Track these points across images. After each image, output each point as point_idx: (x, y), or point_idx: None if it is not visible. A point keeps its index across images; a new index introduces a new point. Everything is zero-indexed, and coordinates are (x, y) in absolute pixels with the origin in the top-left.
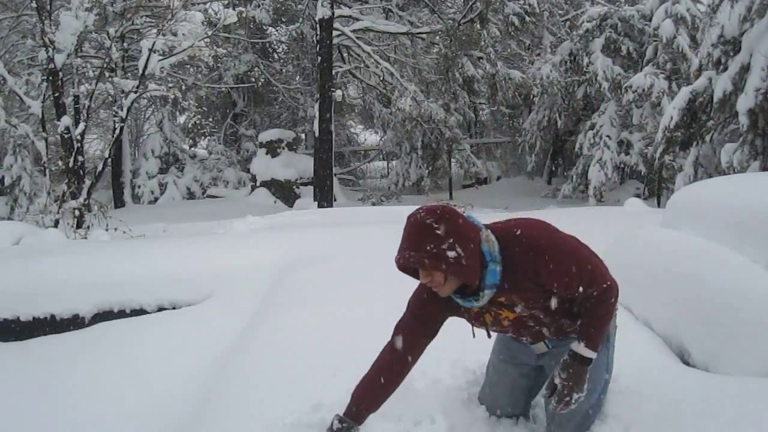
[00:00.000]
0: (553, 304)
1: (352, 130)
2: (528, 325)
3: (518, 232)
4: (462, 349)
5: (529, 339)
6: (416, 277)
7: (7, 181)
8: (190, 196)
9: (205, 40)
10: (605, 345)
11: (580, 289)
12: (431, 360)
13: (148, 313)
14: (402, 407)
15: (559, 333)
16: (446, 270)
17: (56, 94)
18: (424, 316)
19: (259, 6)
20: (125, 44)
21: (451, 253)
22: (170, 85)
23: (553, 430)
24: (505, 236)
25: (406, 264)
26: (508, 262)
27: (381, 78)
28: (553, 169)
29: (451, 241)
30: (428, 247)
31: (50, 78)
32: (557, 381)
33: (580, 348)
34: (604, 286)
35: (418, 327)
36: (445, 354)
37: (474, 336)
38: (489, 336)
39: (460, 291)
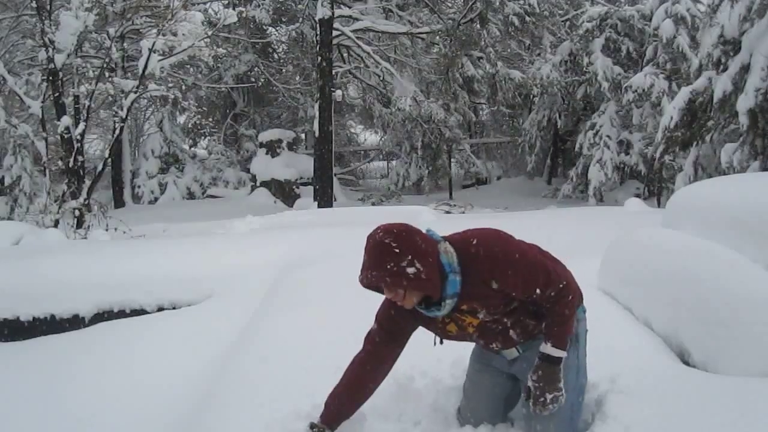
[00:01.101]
0: (513, 307)
1: (352, 130)
2: (493, 329)
3: (474, 242)
4: (462, 348)
5: (498, 345)
6: (381, 293)
7: (7, 181)
8: (190, 196)
9: (205, 40)
10: (574, 346)
11: (537, 291)
12: (432, 360)
13: (148, 313)
14: (402, 407)
15: (526, 335)
16: (407, 286)
17: (56, 94)
18: (393, 329)
19: (259, 6)
20: (125, 44)
21: (410, 270)
22: (170, 85)
23: None
24: (463, 247)
25: (369, 283)
26: (466, 272)
27: (381, 78)
28: (553, 169)
29: (410, 257)
30: (388, 266)
31: (50, 78)
32: (530, 383)
33: (547, 348)
34: (560, 285)
35: (387, 338)
36: (445, 354)
37: (437, 344)
38: (441, 342)
39: (425, 302)
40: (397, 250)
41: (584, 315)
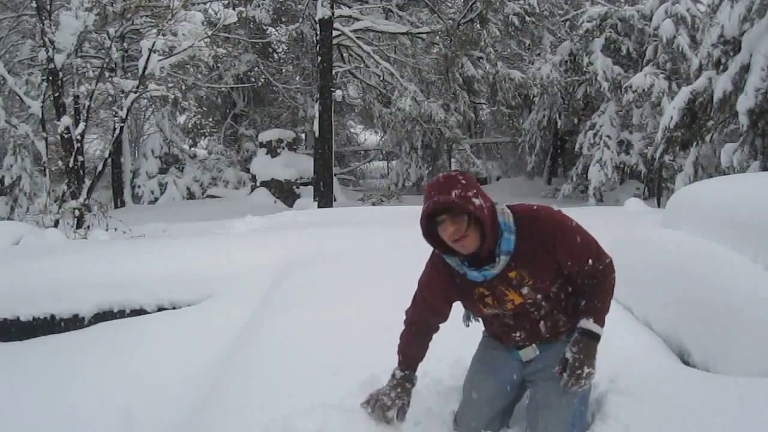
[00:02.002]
0: (554, 291)
1: (352, 130)
2: (528, 312)
3: (535, 208)
4: (463, 348)
5: (522, 335)
6: (438, 246)
7: (7, 181)
8: (190, 196)
9: (205, 40)
10: None
11: (590, 261)
12: (432, 360)
13: (148, 313)
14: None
15: (554, 331)
16: (473, 212)
17: (56, 94)
18: (432, 295)
19: (259, 6)
20: (125, 44)
21: (476, 200)
22: (170, 85)
23: None
24: (522, 210)
25: (437, 206)
26: (524, 233)
27: (381, 78)
28: (553, 169)
29: (475, 191)
30: (456, 191)
31: (50, 78)
32: (568, 355)
33: (589, 324)
34: (608, 261)
35: (425, 306)
36: (446, 354)
37: (469, 324)
38: (472, 321)
39: (475, 264)
40: (464, 182)
41: None
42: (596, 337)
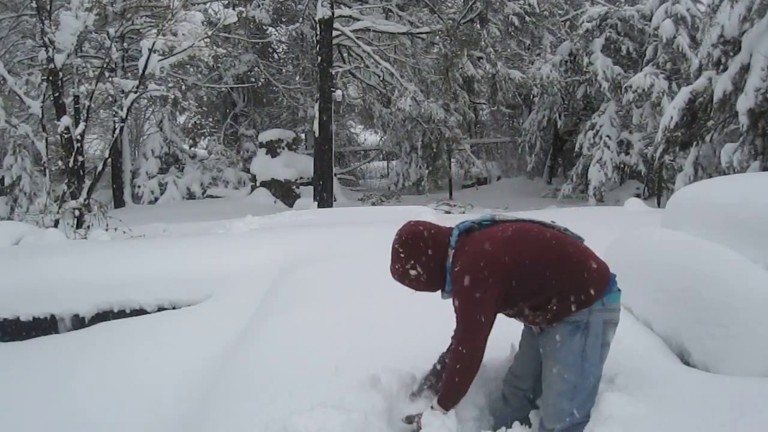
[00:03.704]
0: (503, 305)
1: (352, 130)
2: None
3: (458, 267)
4: None
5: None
6: None
7: (7, 181)
8: (190, 196)
9: (205, 40)
10: (583, 333)
11: (456, 335)
12: (433, 360)
13: (148, 313)
14: (402, 407)
15: (532, 321)
16: (409, 284)
17: (56, 94)
18: None
19: (259, 6)
20: (125, 44)
21: (412, 272)
22: (170, 85)
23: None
24: (458, 256)
25: (391, 276)
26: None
27: (381, 78)
28: (553, 169)
29: (413, 262)
30: (396, 266)
31: (50, 78)
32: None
33: (434, 402)
34: (459, 348)
35: None
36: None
37: None
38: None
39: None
40: (403, 255)
41: (602, 306)
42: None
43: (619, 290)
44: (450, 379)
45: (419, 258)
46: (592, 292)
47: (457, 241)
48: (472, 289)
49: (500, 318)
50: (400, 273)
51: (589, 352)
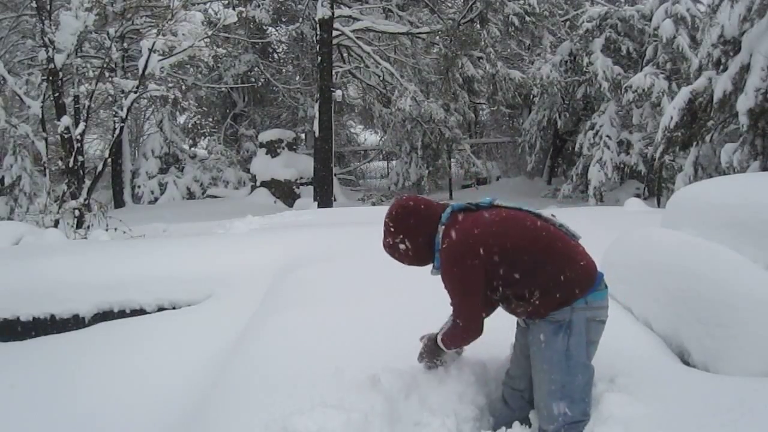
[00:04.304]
0: (489, 291)
1: (352, 130)
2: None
3: (451, 238)
4: (464, 349)
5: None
6: None
7: (7, 181)
8: (190, 196)
9: (205, 40)
10: (565, 332)
11: (450, 304)
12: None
13: (148, 313)
14: (402, 407)
15: (514, 312)
16: (399, 258)
17: (56, 94)
18: None
19: (259, 6)
20: (125, 44)
21: (402, 246)
22: (170, 85)
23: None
24: (446, 234)
25: (383, 248)
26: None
27: (381, 78)
28: (553, 169)
29: (401, 236)
30: (387, 240)
31: (50, 78)
32: (421, 349)
33: (438, 336)
34: (457, 321)
35: None
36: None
37: None
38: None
39: None
40: (393, 230)
41: (585, 305)
42: (437, 342)
43: (606, 287)
44: (452, 335)
45: (408, 232)
46: (576, 290)
47: (449, 218)
48: (456, 267)
49: (501, 317)
50: (390, 246)
51: (573, 351)
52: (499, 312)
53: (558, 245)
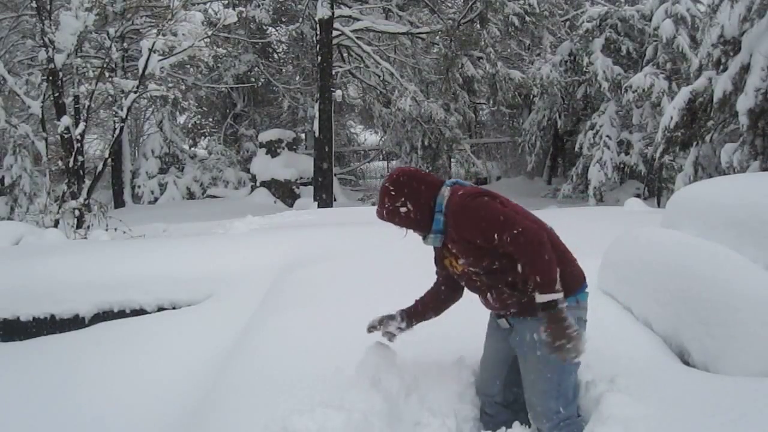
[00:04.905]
0: (493, 267)
1: (352, 130)
2: (473, 282)
3: (461, 193)
4: (464, 348)
5: (482, 300)
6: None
7: (7, 181)
8: (190, 196)
9: (205, 40)
10: None
11: (496, 236)
12: (433, 360)
13: (148, 313)
14: (402, 408)
15: (501, 304)
16: (398, 222)
17: (56, 94)
18: (439, 266)
19: (259, 6)
20: (125, 44)
21: (402, 209)
22: (170, 85)
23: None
24: (453, 193)
25: (378, 217)
26: (447, 216)
27: (381, 78)
28: (553, 169)
29: (403, 199)
30: (386, 205)
31: (50, 78)
32: (544, 336)
33: (538, 298)
34: (515, 231)
35: (439, 270)
36: (447, 354)
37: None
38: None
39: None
40: (393, 193)
41: (576, 304)
42: (552, 305)
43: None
44: (529, 261)
45: (411, 194)
46: (570, 288)
47: (454, 184)
48: (475, 203)
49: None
50: (390, 211)
51: None
52: None
53: (557, 241)
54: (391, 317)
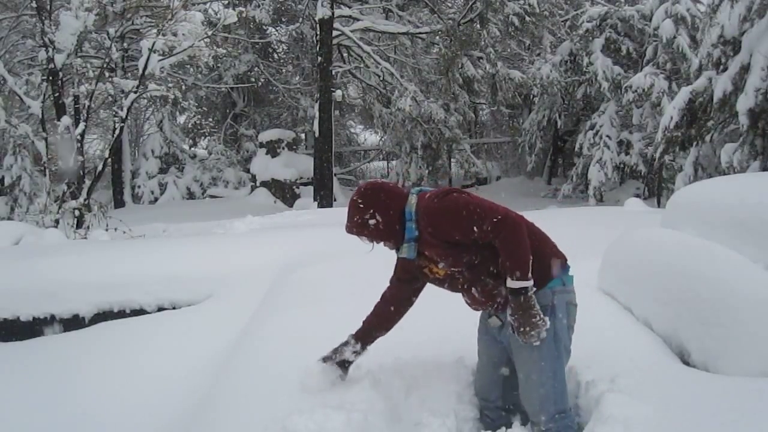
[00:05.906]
0: (473, 262)
1: (352, 130)
2: (458, 281)
3: (428, 196)
4: (464, 349)
5: (468, 300)
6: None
7: (7, 181)
8: (190, 196)
9: (205, 40)
10: (551, 317)
11: (475, 229)
12: (433, 360)
13: (148, 313)
14: (402, 407)
15: (487, 295)
16: (368, 234)
17: (56, 94)
18: (401, 274)
19: (259, 6)
20: (125, 44)
21: (371, 221)
22: (170, 85)
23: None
24: (421, 199)
25: (347, 232)
26: (419, 221)
27: (381, 78)
28: (553, 169)
29: (372, 211)
30: (355, 219)
31: (50, 78)
32: (510, 320)
33: (510, 283)
34: (494, 219)
35: (399, 281)
36: (447, 354)
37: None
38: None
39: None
40: (362, 206)
41: (563, 287)
42: (521, 291)
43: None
44: (507, 249)
45: (379, 206)
46: (554, 268)
47: (419, 192)
48: (446, 200)
49: None
50: (358, 224)
51: (560, 333)
52: None
53: (533, 227)
54: (345, 344)
